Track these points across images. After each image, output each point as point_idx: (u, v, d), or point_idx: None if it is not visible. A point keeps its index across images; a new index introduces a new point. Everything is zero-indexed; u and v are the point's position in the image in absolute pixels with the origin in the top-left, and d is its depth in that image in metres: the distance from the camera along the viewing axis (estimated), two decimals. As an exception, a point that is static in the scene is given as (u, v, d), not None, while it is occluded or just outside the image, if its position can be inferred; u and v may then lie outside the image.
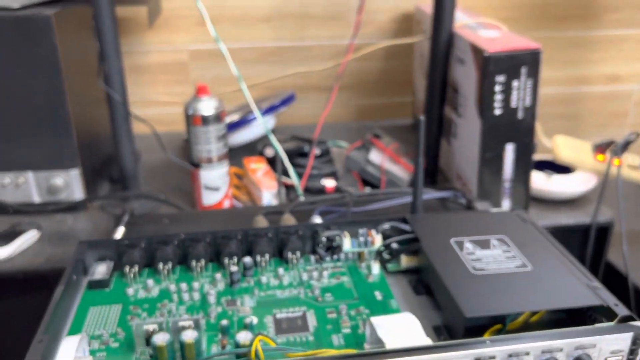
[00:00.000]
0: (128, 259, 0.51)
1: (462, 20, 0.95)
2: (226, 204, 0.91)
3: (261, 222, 0.60)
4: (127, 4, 0.99)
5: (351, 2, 1.23)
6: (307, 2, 1.21)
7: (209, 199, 0.89)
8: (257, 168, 0.96)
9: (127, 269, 0.50)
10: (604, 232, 0.88)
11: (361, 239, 0.52)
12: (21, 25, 0.79)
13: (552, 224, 0.87)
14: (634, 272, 0.83)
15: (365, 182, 0.98)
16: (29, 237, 0.82)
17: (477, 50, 0.81)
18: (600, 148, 0.94)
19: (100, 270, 0.50)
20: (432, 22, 0.92)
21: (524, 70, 0.79)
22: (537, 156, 0.95)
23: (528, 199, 0.86)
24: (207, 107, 0.85)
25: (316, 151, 1.04)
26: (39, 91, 0.82)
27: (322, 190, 0.96)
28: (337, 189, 0.96)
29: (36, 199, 0.89)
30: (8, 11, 0.79)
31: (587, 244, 0.88)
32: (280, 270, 0.52)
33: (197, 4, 0.89)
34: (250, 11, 1.20)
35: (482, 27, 0.92)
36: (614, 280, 0.89)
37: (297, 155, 1.03)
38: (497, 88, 0.80)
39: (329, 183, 0.96)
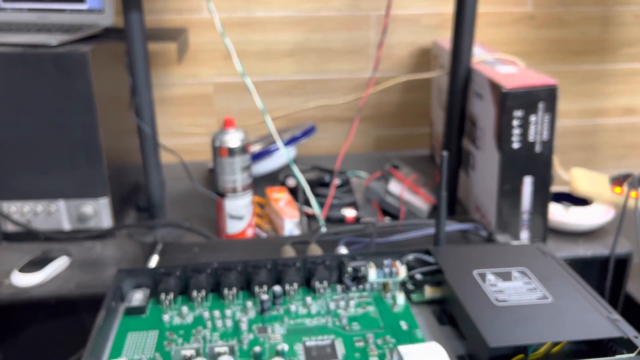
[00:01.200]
0: (164, 286, 0.53)
1: (480, 56, 0.98)
2: (249, 232, 0.93)
3: (289, 251, 0.62)
4: (159, 40, 1.03)
5: (370, 37, 1.26)
6: (328, 37, 1.25)
7: (233, 227, 0.92)
8: (280, 197, 0.98)
9: (162, 296, 0.53)
10: (622, 264, 0.89)
11: (386, 269, 0.54)
12: (59, 61, 0.83)
13: (570, 255, 0.88)
14: (653, 304, 0.84)
15: (385, 212, 1.00)
16: (60, 264, 0.84)
17: (495, 86, 0.84)
18: (618, 181, 0.95)
19: (137, 297, 0.52)
20: (451, 58, 0.95)
21: (541, 106, 0.82)
22: (555, 188, 0.97)
23: (546, 230, 0.88)
24: (233, 139, 0.88)
25: (336, 181, 1.06)
26: (73, 124, 0.86)
27: (342, 220, 0.98)
28: (357, 219, 0.98)
29: (66, 226, 0.92)
30: (47, 48, 0.84)
31: (606, 275, 0.88)
32: (308, 299, 0.54)
33: (224, 40, 0.93)
34: (274, 46, 1.25)
35: (499, 63, 0.95)
36: (633, 311, 0.90)
37: (318, 185, 1.05)
38: (515, 122, 0.82)
39: (349, 213, 0.99)
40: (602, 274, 0.89)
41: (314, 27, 1.24)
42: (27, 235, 0.90)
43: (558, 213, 0.93)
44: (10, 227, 0.91)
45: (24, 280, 0.80)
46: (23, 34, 0.89)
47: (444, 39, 1.20)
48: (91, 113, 0.86)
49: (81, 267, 0.86)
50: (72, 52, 0.83)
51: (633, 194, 0.91)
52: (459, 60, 0.93)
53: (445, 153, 0.57)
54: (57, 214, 0.91)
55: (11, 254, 0.87)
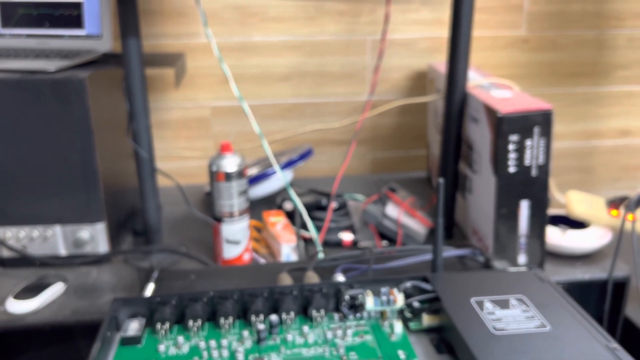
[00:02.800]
0: (159, 316, 0.53)
1: (475, 80, 0.99)
2: (246, 257, 0.93)
3: (285, 279, 0.62)
4: (156, 66, 1.04)
5: (366, 61, 1.28)
6: (324, 61, 1.26)
7: (230, 252, 0.91)
8: (277, 221, 0.98)
9: (158, 325, 0.52)
10: (620, 288, 0.89)
11: (383, 297, 0.54)
12: (57, 87, 0.84)
13: (568, 279, 0.88)
14: (652, 328, 0.84)
15: (382, 236, 1.00)
16: (55, 290, 0.84)
17: (490, 111, 0.84)
18: (614, 204, 0.96)
19: (133, 326, 0.52)
20: (446, 83, 0.96)
21: (536, 130, 0.82)
22: (551, 211, 0.97)
23: (544, 254, 0.88)
24: (230, 164, 0.88)
25: (334, 205, 1.06)
26: (71, 149, 0.86)
27: (339, 244, 0.98)
28: (354, 243, 0.98)
29: (62, 252, 0.91)
30: (45, 74, 0.84)
31: (605, 299, 0.88)
32: (305, 328, 0.54)
33: (222, 66, 0.94)
34: (271, 70, 1.26)
35: (494, 87, 0.96)
36: (632, 335, 0.89)
37: (315, 209, 1.05)
38: (511, 147, 0.82)
39: (347, 237, 0.98)
40: (600, 298, 0.89)
41: (311, 51, 1.25)
42: (23, 261, 0.90)
43: (555, 236, 0.93)
44: (5, 253, 0.90)
45: (18, 307, 0.80)
46: (21, 60, 0.90)
47: (440, 62, 1.22)
48: (88, 138, 0.86)
49: (77, 293, 0.85)
50: (70, 78, 0.84)
51: (630, 216, 0.91)
52: (454, 84, 0.94)
53: (441, 180, 0.57)
54: (53, 239, 0.91)
55: (6, 280, 0.87)
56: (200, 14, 0.97)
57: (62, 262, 0.91)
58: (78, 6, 1.00)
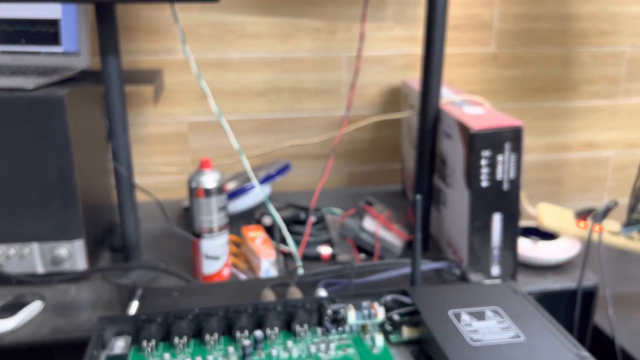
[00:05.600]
0: (145, 333, 0.53)
1: (448, 97, 1.02)
2: (225, 272, 0.94)
3: (269, 295, 0.63)
4: (136, 83, 1.04)
5: (341, 77, 1.30)
6: (300, 77, 1.29)
7: (209, 267, 0.92)
8: (256, 236, 0.99)
9: (144, 343, 0.53)
10: (589, 296, 0.92)
11: (365, 311, 0.56)
12: (35, 105, 0.84)
13: (540, 289, 0.91)
14: (620, 335, 0.87)
15: (360, 249, 1.02)
16: (33, 309, 0.83)
17: (463, 127, 0.87)
18: (582, 215, 0.99)
19: (119, 345, 0.52)
20: (420, 100, 0.99)
21: (507, 146, 0.85)
22: (522, 223, 1.00)
23: (516, 265, 0.90)
24: (209, 180, 0.89)
25: (312, 219, 1.08)
26: (49, 166, 0.86)
27: (318, 258, 1.00)
28: (333, 256, 1.00)
29: (40, 269, 0.91)
30: (23, 92, 0.84)
31: (574, 308, 0.91)
32: (289, 343, 0.55)
33: (200, 83, 0.95)
34: (248, 86, 1.27)
35: (466, 104, 0.99)
36: (601, 343, 0.93)
37: (293, 223, 1.07)
38: (483, 162, 0.85)
39: (325, 250, 1.00)
40: (570, 307, 0.92)
41: (287, 67, 1.27)
42: (-1, 279, 0.89)
43: (527, 248, 0.96)
44: (-19, 272, 0.89)
45: (-4, 326, 0.79)
46: (-3, 77, 0.89)
47: (413, 78, 1.25)
48: (67, 156, 0.86)
49: (55, 311, 0.85)
50: (49, 96, 0.84)
51: (597, 227, 0.95)
52: (428, 101, 0.97)
53: (418, 196, 0.59)
54: (31, 257, 0.90)
55: (-18, 299, 0.86)
56: (179, 32, 0.99)
57: (39, 280, 0.90)
58: (55, 23, 1.00)
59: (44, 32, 1.00)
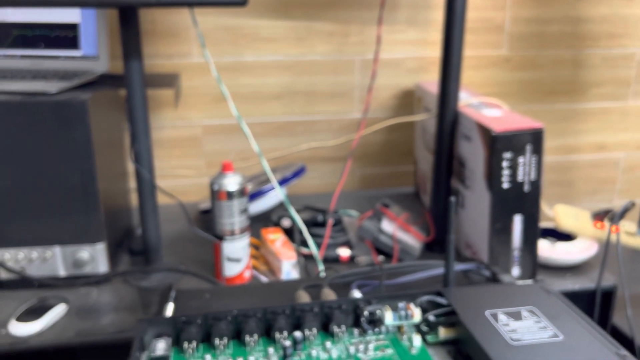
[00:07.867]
0: (186, 335, 0.54)
1: (465, 99, 1.03)
2: (247, 274, 0.94)
3: (303, 296, 0.64)
4: (157, 87, 1.05)
5: (354, 80, 1.31)
6: (314, 80, 1.29)
7: (231, 270, 0.93)
8: (275, 238, 1.00)
9: (185, 344, 0.53)
10: (608, 297, 0.93)
11: (401, 312, 0.56)
12: (59, 109, 0.84)
13: (559, 290, 0.91)
14: (639, 335, 0.88)
15: (379, 251, 1.02)
16: (57, 312, 0.84)
17: (483, 129, 0.88)
18: (599, 216, 1.00)
19: (160, 346, 0.53)
20: (438, 102, 0.99)
21: (528, 148, 0.86)
22: (540, 224, 1.01)
23: (536, 266, 0.91)
24: (231, 183, 0.89)
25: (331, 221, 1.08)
26: (71, 170, 0.86)
27: (337, 259, 1.00)
28: (352, 258, 1.00)
29: (62, 272, 0.91)
30: (46, 96, 0.84)
31: (593, 308, 0.92)
32: (328, 344, 0.56)
33: (220, 86, 0.95)
34: (262, 89, 1.28)
35: (484, 106, 1.00)
36: (620, 343, 0.93)
37: (312, 225, 1.07)
38: (505, 164, 0.86)
39: (344, 252, 1.00)
40: (589, 307, 0.93)
41: (301, 70, 1.28)
42: (21, 282, 0.89)
43: (545, 249, 0.96)
44: (3, 275, 0.89)
45: (22, 329, 0.79)
46: (18, 82, 0.89)
47: (427, 81, 1.26)
48: (89, 159, 0.86)
49: (79, 314, 0.85)
50: (72, 100, 0.84)
51: (614, 228, 0.96)
52: (446, 104, 0.98)
53: (452, 198, 0.60)
54: (53, 260, 0.90)
55: (5, 302, 0.86)
56: (198, 36, 0.99)
57: (61, 283, 0.90)
58: (74, 27, 1.00)
59: (63, 36, 1.01)
